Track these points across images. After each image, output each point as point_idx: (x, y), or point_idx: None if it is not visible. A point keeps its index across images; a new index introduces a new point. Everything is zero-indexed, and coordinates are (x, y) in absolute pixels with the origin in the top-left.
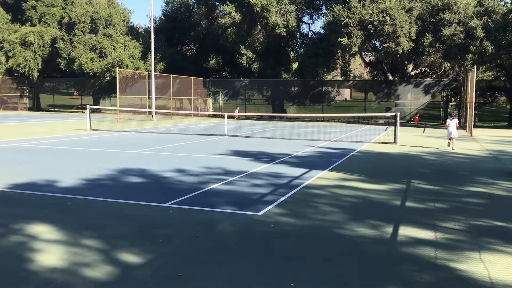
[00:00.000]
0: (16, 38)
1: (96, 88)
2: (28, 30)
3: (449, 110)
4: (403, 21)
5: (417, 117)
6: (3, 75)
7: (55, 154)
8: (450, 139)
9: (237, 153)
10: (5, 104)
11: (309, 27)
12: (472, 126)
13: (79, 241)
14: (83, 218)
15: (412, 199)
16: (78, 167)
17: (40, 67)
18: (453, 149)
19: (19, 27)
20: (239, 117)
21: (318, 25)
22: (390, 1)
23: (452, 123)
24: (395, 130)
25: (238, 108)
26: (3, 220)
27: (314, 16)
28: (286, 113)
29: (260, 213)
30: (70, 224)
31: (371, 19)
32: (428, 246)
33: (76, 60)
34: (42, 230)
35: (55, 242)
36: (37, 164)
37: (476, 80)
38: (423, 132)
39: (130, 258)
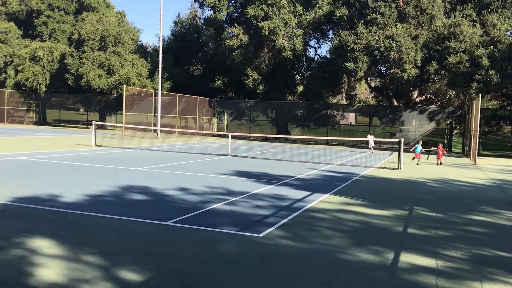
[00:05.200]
0: (26, 53)
1: (103, 104)
2: (38, 46)
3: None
4: (409, 48)
5: (441, 148)
6: (11, 89)
7: (59, 169)
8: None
9: (240, 174)
10: (11, 117)
11: (316, 51)
12: (476, 155)
13: (80, 257)
14: (85, 234)
15: (414, 226)
16: (82, 182)
17: (48, 82)
18: (372, 153)
19: (30, 42)
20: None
21: (324, 49)
22: (396, 28)
23: (370, 138)
24: (399, 156)
25: (420, 143)
26: (5, 234)
27: (321, 40)
28: (290, 135)
29: (261, 234)
30: (71, 239)
31: (377, 45)
32: (429, 273)
33: (84, 76)
34: (43, 244)
35: (56, 257)
36: (41, 178)
37: (481, 108)
38: (427, 158)
39: (129, 275)
